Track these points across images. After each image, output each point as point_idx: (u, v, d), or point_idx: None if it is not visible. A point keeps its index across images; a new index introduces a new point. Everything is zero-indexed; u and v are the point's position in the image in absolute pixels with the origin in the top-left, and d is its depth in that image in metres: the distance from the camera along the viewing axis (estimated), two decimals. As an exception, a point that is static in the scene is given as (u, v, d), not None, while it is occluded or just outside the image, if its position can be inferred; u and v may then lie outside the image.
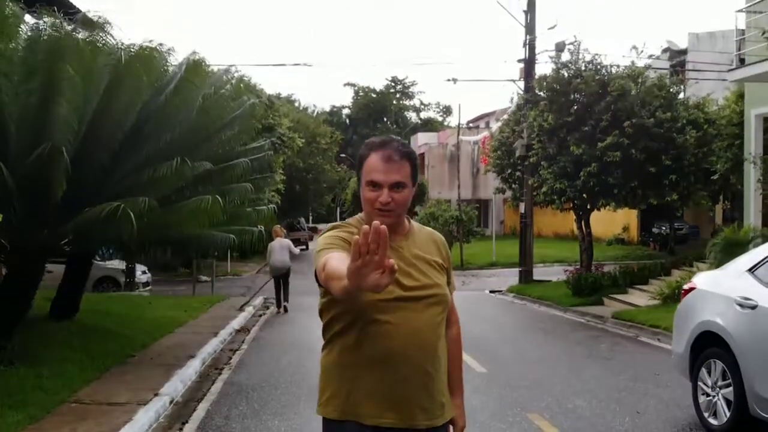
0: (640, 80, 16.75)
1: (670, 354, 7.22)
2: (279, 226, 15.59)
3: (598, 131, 16.13)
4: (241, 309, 14.94)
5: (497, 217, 39.59)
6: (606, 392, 7.55)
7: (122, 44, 8.72)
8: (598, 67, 17.22)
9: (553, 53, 18.72)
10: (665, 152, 16.00)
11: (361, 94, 73.87)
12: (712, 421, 5.93)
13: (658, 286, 14.47)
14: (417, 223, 2.62)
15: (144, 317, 12.50)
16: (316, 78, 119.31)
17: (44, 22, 8.16)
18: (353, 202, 43.48)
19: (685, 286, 6.81)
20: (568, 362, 9.49)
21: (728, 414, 5.72)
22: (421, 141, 46.24)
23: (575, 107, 16.81)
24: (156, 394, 7.14)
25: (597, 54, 17.43)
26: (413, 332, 2.36)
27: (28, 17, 8.84)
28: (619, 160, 15.68)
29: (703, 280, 6.63)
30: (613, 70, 17.20)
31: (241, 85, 11.47)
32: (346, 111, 76.00)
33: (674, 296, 12.31)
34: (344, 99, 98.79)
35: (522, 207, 21.13)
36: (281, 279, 15.14)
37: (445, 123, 67.92)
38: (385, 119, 72.08)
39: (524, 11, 20.49)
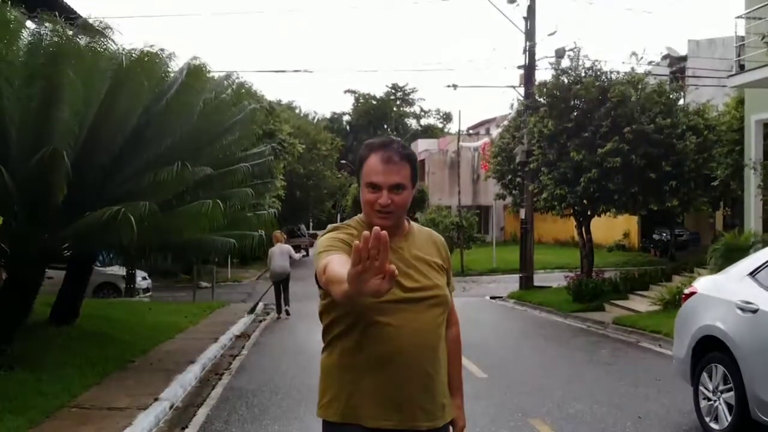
0: (640, 86, 16.75)
1: (671, 359, 7.20)
2: (279, 231, 15.59)
3: (598, 137, 16.13)
4: (252, 311, 15.29)
5: (498, 224, 39.57)
6: (607, 397, 7.52)
7: (123, 49, 8.75)
8: (598, 73, 17.24)
9: (553, 59, 18.75)
10: (665, 158, 16.00)
11: (361, 100, 73.97)
12: (713, 425, 5.90)
13: (659, 291, 14.45)
14: (416, 224, 2.62)
15: (144, 323, 12.48)
16: (316, 85, 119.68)
17: (46, 27, 8.18)
18: (354, 208, 43.46)
19: (686, 291, 6.80)
20: (569, 368, 9.47)
21: (730, 418, 5.69)
22: (421, 147, 46.26)
23: (575, 113, 16.83)
24: (156, 399, 7.13)
25: (597, 60, 17.49)
26: (414, 334, 2.35)
27: (29, 23, 8.86)
28: (619, 166, 15.68)
29: (704, 284, 6.61)
30: (613, 77, 17.22)
31: (242, 90, 11.47)
32: (346, 118, 76.10)
33: (675, 302, 12.29)
34: (345, 106, 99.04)
35: (522, 213, 21.14)
36: (281, 284, 15.14)
37: (446, 130, 67.99)
38: (385, 126, 72.15)
39: (524, 18, 20.55)
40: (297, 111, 52.98)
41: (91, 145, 8.32)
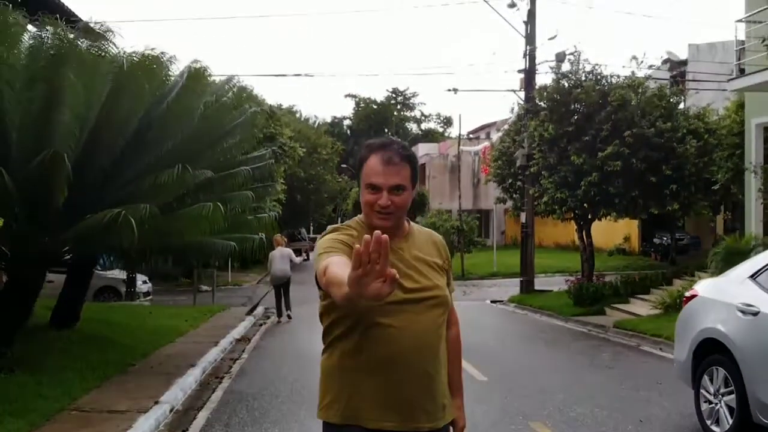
0: (640, 90, 16.76)
1: (672, 363, 7.19)
2: (280, 234, 15.58)
3: (599, 141, 16.14)
4: (250, 312, 15.27)
5: (498, 228, 39.55)
6: (608, 401, 7.51)
7: (124, 52, 8.76)
8: (599, 77, 17.25)
9: (553, 63, 18.77)
10: (666, 162, 16.00)
11: (362, 105, 73.99)
12: (714, 428, 5.89)
13: (660, 295, 14.43)
14: (416, 225, 2.62)
15: (144, 327, 12.47)
16: (317, 89, 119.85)
17: (47, 30, 8.20)
18: (354, 212, 43.45)
19: (687, 294, 6.79)
20: (570, 371, 9.46)
21: (731, 421, 5.69)
22: (422, 152, 46.28)
23: (576, 117, 16.83)
24: (156, 402, 7.12)
25: (597, 64, 17.52)
26: (415, 335, 2.35)
27: (30, 26, 8.89)
28: (619, 170, 15.68)
29: (705, 287, 6.61)
30: (614, 81, 17.23)
31: (243, 95, 11.48)
32: (347, 122, 76.12)
33: (676, 305, 12.28)
34: (345, 110, 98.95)
35: (523, 217, 21.12)
36: (282, 288, 15.13)
37: (446, 134, 68.02)
38: (386, 130, 72.11)
39: (524, 22, 20.56)
40: (298, 115, 52.99)
41: (91, 148, 8.33)
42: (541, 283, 21.37)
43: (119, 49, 8.81)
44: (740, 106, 15.69)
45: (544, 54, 52.82)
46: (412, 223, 2.56)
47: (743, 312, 5.64)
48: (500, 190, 22.50)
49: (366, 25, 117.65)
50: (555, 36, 27.13)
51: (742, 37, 14.48)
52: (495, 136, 31.46)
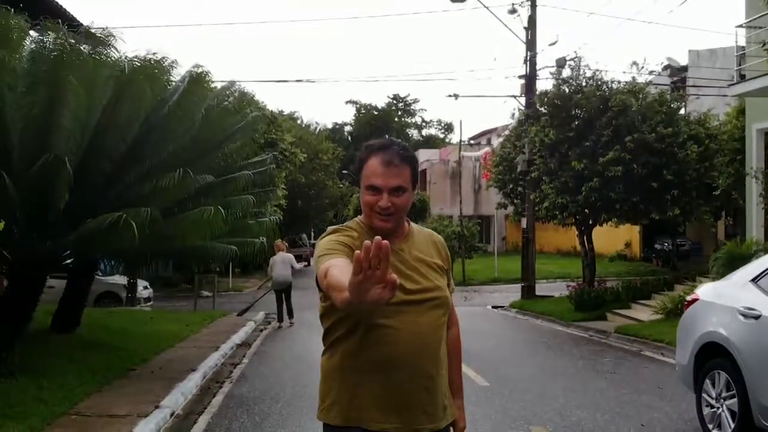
0: (641, 96, 16.76)
1: (673, 368, 7.17)
2: (280, 240, 15.58)
3: (600, 146, 16.14)
4: (241, 314, 15.29)
5: (499, 233, 39.51)
6: (610, 405, 7.49)
7: (126, 57, 8.78)
8: (599, 82, 17.26)
9: (554, 69, 18.78)
10: (667, 167, 15.99)
11: (363, 111, 74.07)
12: (716, 432, 5.87)
13: (661, 300, 14.41)
14: (416, 225, 2.61)
15: (145, 332, 12.46)
16: (318, 95, 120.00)
17: (48, 34, 8.22)
18: (355, 217, 43.45)
19: (689, 298, 6.78)
20: (571, 376, 9.44)
21: (733, 425, 5.66)
22: (422, 158, 46.30)
23: (576, 122, 16.84)
24: (157, 407, 7.11)
25: (598, 70, 17.50)
26: (416, 336, 2.34)
27: (31, 31, 8.90)
28: (620, 175, 15.68)
29: (707, 291, 6.59)
30: (614, 86, 17.24)
31: (244, 100, 11.49)
32: (348, 128, 76.18)
33: (677, 310, 12.25)
34: (346, 116, 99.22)
35: (524, 222, 21.12)
36: (283, 293, 15.12)
37: (447, 140, 68.05)
38: (387, 136, 72.20)
39: (525, 28, 20.61)
40: (299, 121, 53.08)
41: (93, 152, 8.33)
42: (542, 288, 21.36)
43: (121, 53, 8.84)
44: (741, 111, 15.69)
45: (545, 60, 52.99)
46: (412, 223, 2.56)
47: (745, 315, 5.62)
48: (501, 196, 22.49)
49: (367, 32, 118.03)
50: (555, 42, 27.26)
51: (742, 42, 14.51)
52: (496, 141, 31.50)
